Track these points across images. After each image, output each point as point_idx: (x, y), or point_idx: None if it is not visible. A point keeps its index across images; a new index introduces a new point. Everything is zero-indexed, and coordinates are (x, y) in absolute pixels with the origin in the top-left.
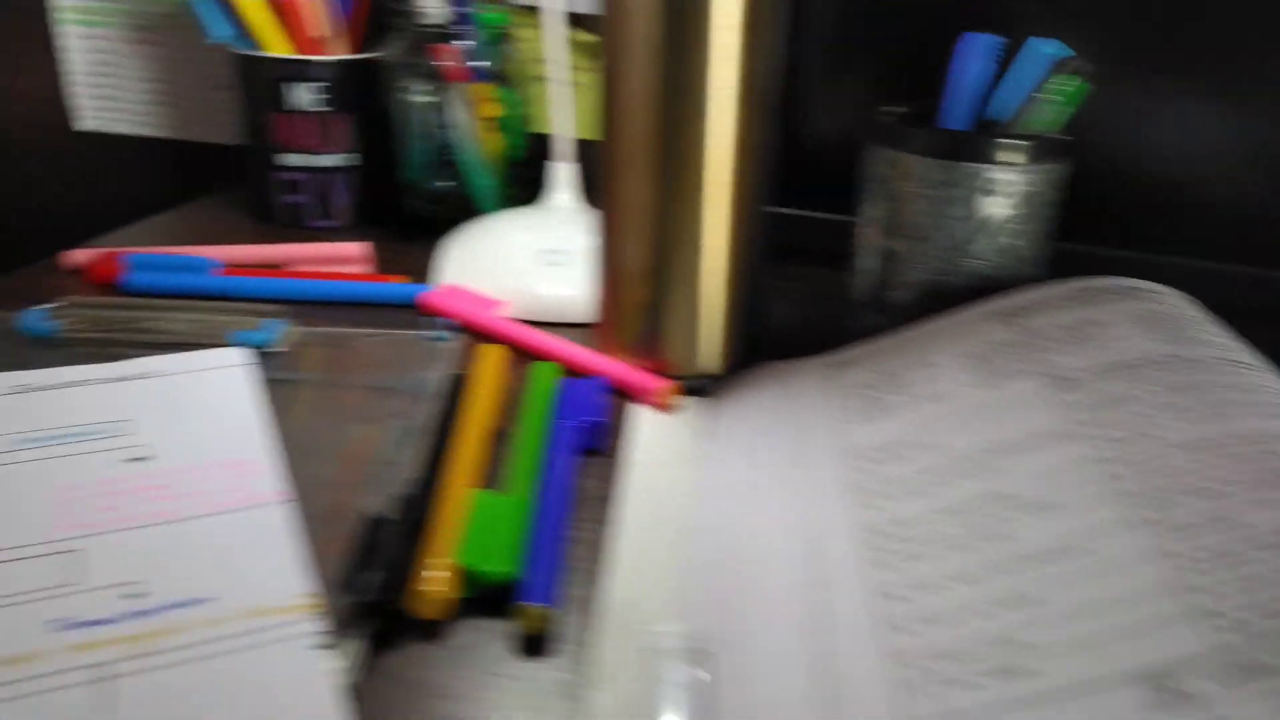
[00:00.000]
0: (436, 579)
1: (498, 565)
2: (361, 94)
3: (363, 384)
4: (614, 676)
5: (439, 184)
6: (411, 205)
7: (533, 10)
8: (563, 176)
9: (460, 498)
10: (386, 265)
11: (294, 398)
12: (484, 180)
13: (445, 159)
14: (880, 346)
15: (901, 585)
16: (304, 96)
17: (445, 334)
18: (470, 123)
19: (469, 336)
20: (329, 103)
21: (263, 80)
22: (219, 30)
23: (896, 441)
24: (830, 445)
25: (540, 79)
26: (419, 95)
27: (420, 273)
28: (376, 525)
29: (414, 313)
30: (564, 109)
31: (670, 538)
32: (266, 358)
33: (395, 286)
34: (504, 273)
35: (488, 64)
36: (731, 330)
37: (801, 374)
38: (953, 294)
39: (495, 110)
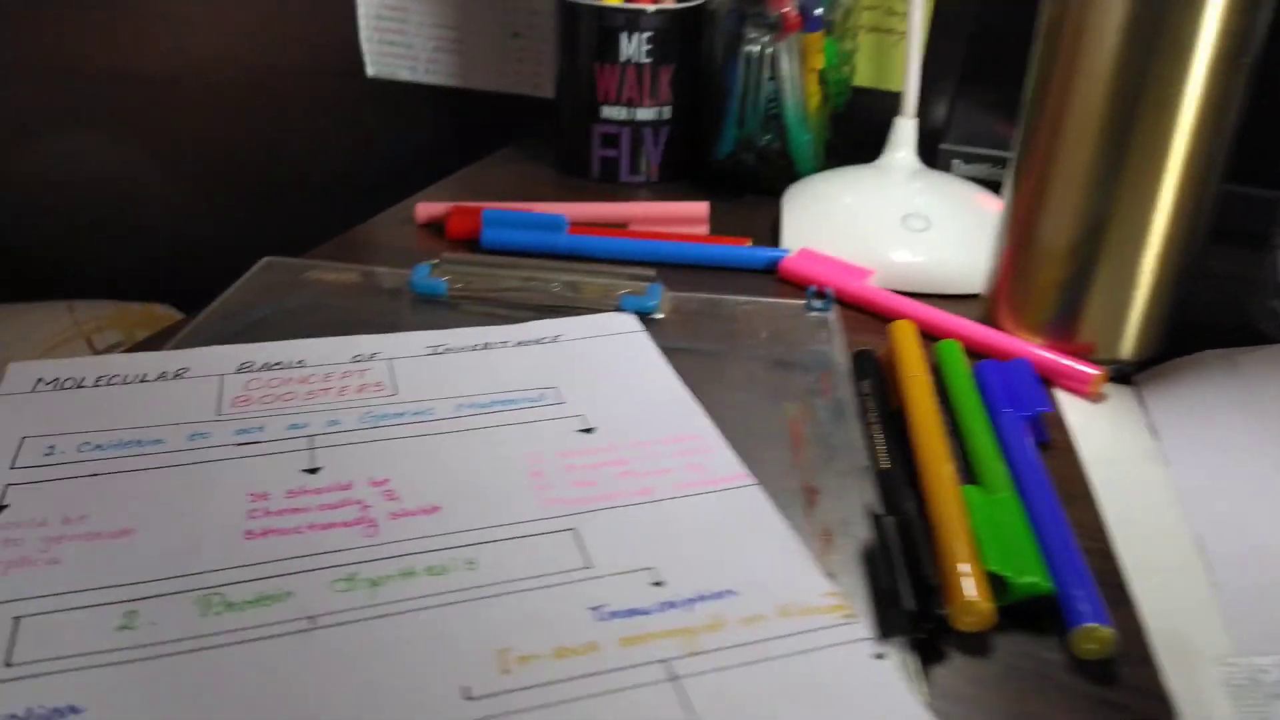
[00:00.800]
0: (978, 588)
1: (1033, 576)
2: (683, 45)
3: (758, 356)
4: (1203, 710)
5: (764, 140)
6: (736, 161)
7: None
8: (906, 133)
9: (950, 495)
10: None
11: (696, 368)
12: (804, 136)
13: (771, 113)
14: None
15: None
16: (632, 47)
17: (823, 304)
18: (798, 74)
19: (841, 307)
20: (651, 54)
21: (590, 30)
22: None
23: None
24: None
25: (871, 29)
26: (755, 45)
27: (742, 232)
28: (880, 522)
29: (769, 278)
30: (913, 62)
31: (1182, 548)
32: (649, 324)
33: (753, 250)
34: (861, 238)
35: (821, 12)
36: (1162, 313)
37: (1255, 364)
38: None
39: (821, 62)
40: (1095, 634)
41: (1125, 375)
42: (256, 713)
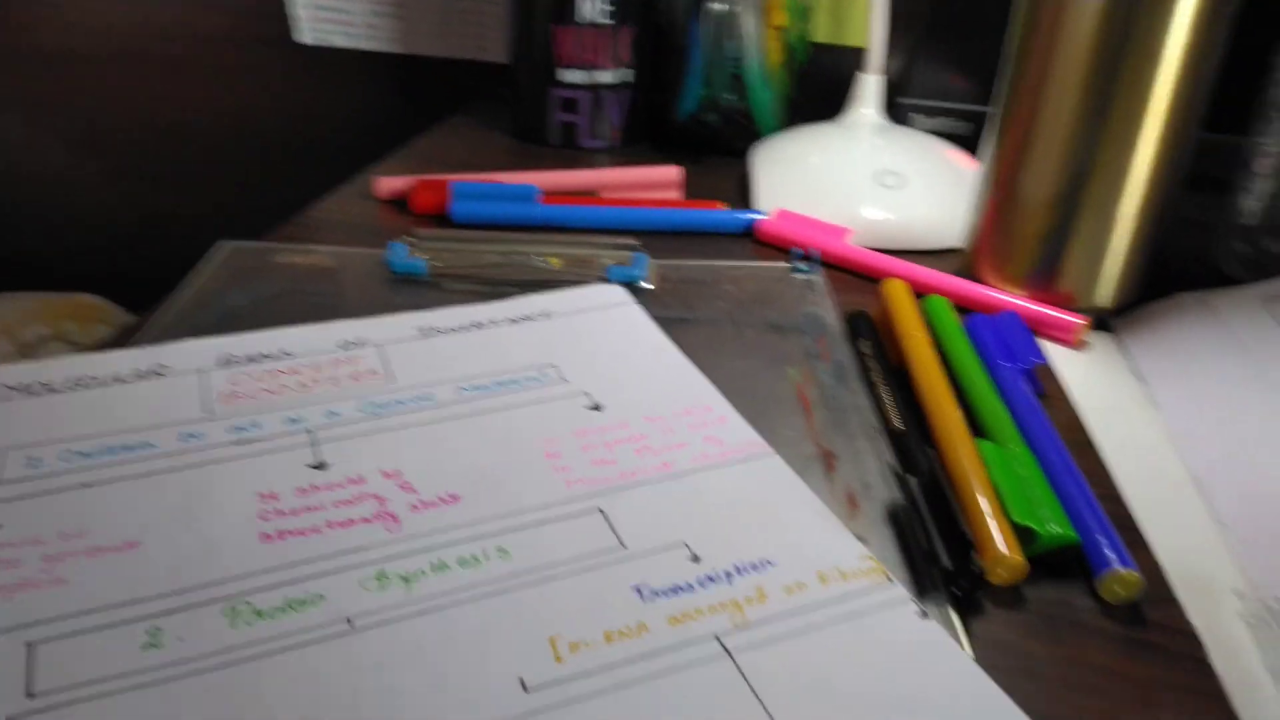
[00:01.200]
0: (1009, 542)
1: (1058, 527)
2: (643, 5)
3: (751, 322)
4: (1227, 644)
5: (726, 100)
6: (698, 122)
7: None
8: (871, 90)
9: (967, 452)
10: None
11: (690, 337)
12: (766, 94)
13: (733, 73)
14: None
15: None
16: (591, 8)
17: (808, 266)
18: (760, 33)
19: (825, 268)
20: (612, 14)
21: None
22: None
23: None
24: None
25: None
26: (720, 3)
27: (708, 194)
28: (907, 483)
29: (745, 240)
30: (878, 17)
31: (1183, 488)
32: (637, 294)
33: (731, 214)
34: (836, 197)
35: None
36: (1139, 261)
37: (1230, 305)
38: None
39: (782, 19)
40: (1122, 579)
41: (1103, 322)
42: None
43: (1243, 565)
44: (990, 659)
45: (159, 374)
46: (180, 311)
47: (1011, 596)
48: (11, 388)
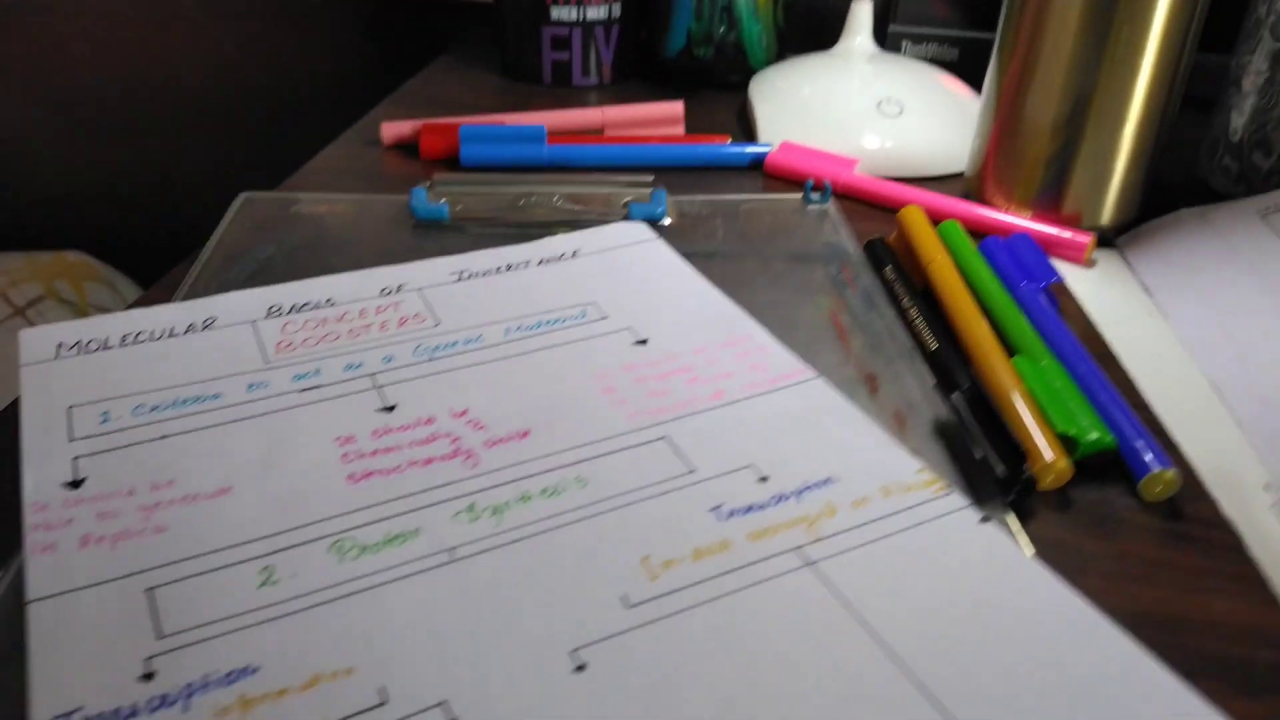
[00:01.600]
0: (1054, 450)
1: (1097, 433)
2: None
3: (773, 253)
4: (1261, 534)
5: (718, 33)
6: (690, 57)
7: None
8: (863, 18)
9: (1004, 367)
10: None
11: (717, 271)
12: (756, 26)
13: (723, 6)
14: None
15: None
16: None
17: (821, 196)
18: None
19: (836, 198)
20: None
21: None
22: None
23: None
24: None
25: None
26: None
27: (704, 128)
28: (954, 399)
29: (752, 174)
30: None
31: (1201, 392)
32: (658, 230)
33: (739, 148)
34: (838, 127)
35: None
36: (1139, 179)
37: (1230, 220)
38: None
39: None
40: (1162, 478)
41: (1106, 239)
42: (427, 644)
43: (1266, 461)
44: (1047, 557)
45: (210, 327)
46: (215, 264)
47: (1058, 500)
48: (65, 345)
